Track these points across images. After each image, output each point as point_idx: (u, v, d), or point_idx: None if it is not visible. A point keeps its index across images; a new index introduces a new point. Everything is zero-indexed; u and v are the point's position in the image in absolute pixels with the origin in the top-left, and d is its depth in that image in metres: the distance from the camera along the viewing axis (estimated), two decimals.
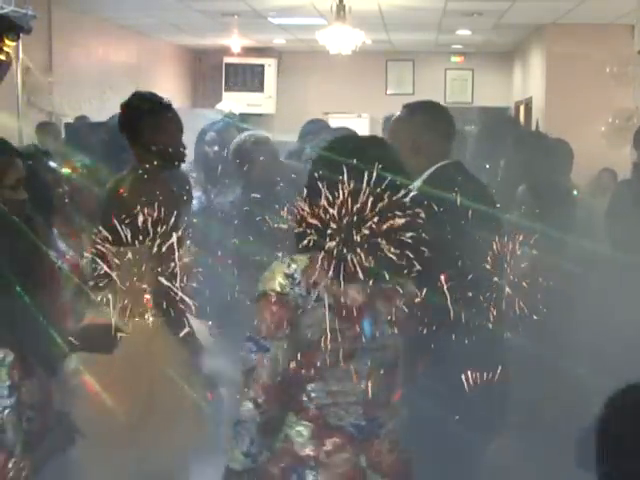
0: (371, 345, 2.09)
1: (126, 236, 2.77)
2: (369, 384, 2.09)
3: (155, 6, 7.89)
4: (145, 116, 3.00)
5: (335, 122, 6.39)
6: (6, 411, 1.94)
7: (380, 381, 2.11)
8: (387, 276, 2.05)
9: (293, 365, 2.06)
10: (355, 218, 2.02)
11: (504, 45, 10.83)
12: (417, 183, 2.68)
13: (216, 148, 4.52)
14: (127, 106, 3.06)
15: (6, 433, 1.95)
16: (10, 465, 1.94)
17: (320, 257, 2.04)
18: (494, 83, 11.60)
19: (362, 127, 10.03)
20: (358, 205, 2.02)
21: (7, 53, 5.25)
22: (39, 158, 3.28)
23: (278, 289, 2.05)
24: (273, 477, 2.08)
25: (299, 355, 2.06)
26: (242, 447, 2.03)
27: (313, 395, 2.08)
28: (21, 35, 5.35)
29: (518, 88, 10.87)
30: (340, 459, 2.08)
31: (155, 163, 2.96)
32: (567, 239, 3.19)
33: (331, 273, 2.02)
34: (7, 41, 5.16)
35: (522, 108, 10.26)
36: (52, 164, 3.37)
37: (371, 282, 2.05)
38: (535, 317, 2.31)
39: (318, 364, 2.05)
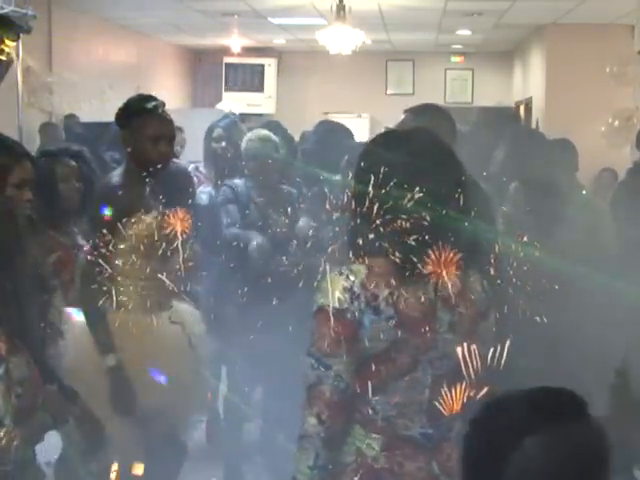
0: (432, 354, 2.06)
1: (124, 236, 2.79)
2: (432, 393, 2.06)
3: (155, 6, 7.89)
4: (132, 118, 3.02)
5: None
6: None
7: (442, 388, 2.09)
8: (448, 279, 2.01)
9: (356, 379, 2.03)
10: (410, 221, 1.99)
11: (504, 45, 10.83)
12: None
13: (223, 144, 4.55)
14: (123, 107, 3.08)
15: None
16: (1, 434, 1.93)
17: (378, 267, 2.00)
18: (494, 83, 11.60)
19: (362, 127, 10.03)
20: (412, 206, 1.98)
21: (7, 53, 5.25)
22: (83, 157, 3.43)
23: (337, 305, 1.99)
24: None
25: (362, 368, 2.03)
26: (308, 461, 2.00)
27: (378, 408, 2.05)
28: (21, 35, 5.36)
29: (518, 88, 10.87)
30: (413, 468, 2.06)
31: (141, 165, 2.98)
32: (557, 238, 3.16)
33: (392, 282, 1.98)
34: (7, 41, 5.16)
35: (522, 108, 10.26)
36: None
37: (432, 289, 2.01)
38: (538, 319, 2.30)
39: (382, 377, 2.02)
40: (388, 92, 11.97)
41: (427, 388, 2.06)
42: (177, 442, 3.18)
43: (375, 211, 2.01)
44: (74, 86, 7.40)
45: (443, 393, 2.07)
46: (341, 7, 6.97)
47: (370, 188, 2.01)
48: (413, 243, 1.98)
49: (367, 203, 2.02)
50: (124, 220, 2.81)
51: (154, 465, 2.97)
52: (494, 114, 6.79)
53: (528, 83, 9.99)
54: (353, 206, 2.05)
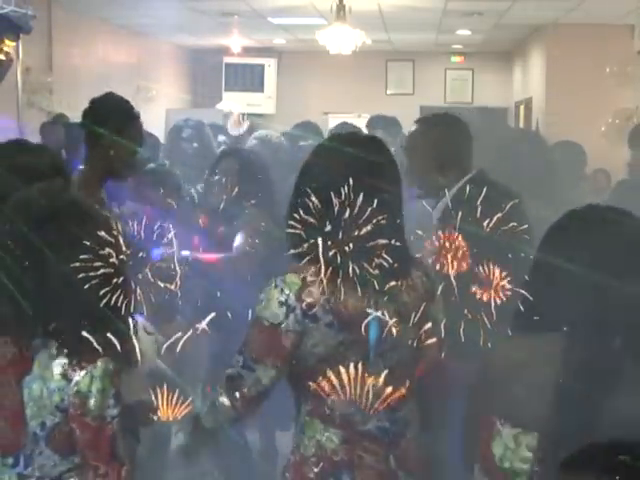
0: (381, 348, 2.09)
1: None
2: (386, 386, 2.10)
3: (155, 6, 7.89)
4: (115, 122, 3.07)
5: (335, 122, 6.38)
6: (114, 420, 1.93)
7: (396, 381, 2.12)
8: (382, 280, 2.05)
9: (306, 382, 2.09)
10: (350, 225, 2.02)
11: (504, 45, 10.83)
12: (447, 199, 2.71)
13: (195, 145, 4.45)
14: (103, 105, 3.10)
15: (117, 442, 1.94)
16: (124, 473, 1.93)
17: (311, 275, 2.02)
18: (494, 83, 11.60)
19: (362, 127, 10.02)
20: (355, 212, 2.01)
21: (7, 53, 5.25)
22: None
23: (271, 320, 2.04)
24: None
25: (313, 372, 2.08)
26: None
27: (335, 406, 2.09)
28: (21, 35, 5.36)
29: (518, 88, 10.87)
30: (372, 461, 2.10)
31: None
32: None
33: (326, 288, 2.01)
34: (7, 41, 5.17)
35: (522, 108, 10.26)
36: None
37: (370, 288, 2.04)
38: None
39: (332, 377, 2.05)
40: (388, 92, 11.97)
41: (381, 381, 2.09)
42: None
43: (311, 219, 2.05)
44: (74, 86, 7.41)
45: (398, 386, 2.11)
46: (341, 7, 6.97)
47: (304, 197, 2.06)
48: (346, 248, 2.01)
49: (304, 211, 2.05)
50: None
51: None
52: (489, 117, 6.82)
53: (528, 83, 9.99)
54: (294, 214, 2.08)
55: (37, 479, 1.97)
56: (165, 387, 2.06)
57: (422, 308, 2.13)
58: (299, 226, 2.06)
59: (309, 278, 2.03)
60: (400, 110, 7.47)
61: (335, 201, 2.01)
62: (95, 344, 1.90)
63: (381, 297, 2.07)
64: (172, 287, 2.65)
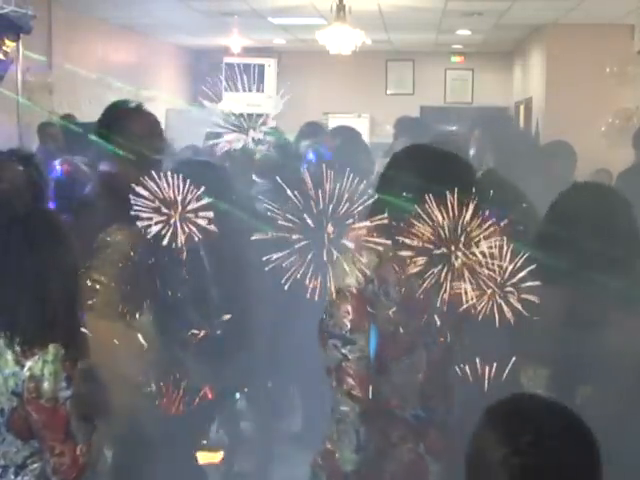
0: (427, 339, 2.16)
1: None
2: (425, 376, 2.17)
3: (155, 6, 7.89)
4: (114, 122, 3.04)
5: (335, 122, 6.39)
6: (67, 402, 2.02)
7: (435, 373, 2.16)
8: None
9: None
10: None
11: (504, 45, 10.83)
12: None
13: None
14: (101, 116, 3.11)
15: (70, 422, 2.03)
16: (78, 452, 2.02)
17: (387, 253, 2.10)
18: (494, 83, 11.60)
19: (362, 127, 10.02)
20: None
21: (7, 53, 5.25)
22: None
23: (356, 284, 2.11)
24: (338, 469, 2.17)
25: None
26: (351, 445, 2.09)
27: (378, 388, 2.14)
28: (21, 35, 5.36)
29: (518, 88, 10.87)
30: (404, 449, 2.18)
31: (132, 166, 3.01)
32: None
33: (399, 269, 2.08)
34: (7, 41, 5.16)
35: (522, 108, 10.26)
36: None
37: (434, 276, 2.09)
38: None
39: (385, 357, 2.13)
40: (388, 92, 11.97)
41: (422, 371, 2.17)
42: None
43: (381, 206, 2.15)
44: (74, 86, 7.41)
45: (436, 377, 2.15)
46: (341, 7, 6.96)
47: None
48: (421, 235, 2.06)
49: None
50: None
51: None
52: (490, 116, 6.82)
53: (528, 83, 9.99)
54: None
55: (2, 468, 2.04)
56: (172, 379, 2.10)
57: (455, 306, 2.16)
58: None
59: (385, 256, 2.12)
60: (400, 110, 7.48)
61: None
62: (45, 331, 2.01)
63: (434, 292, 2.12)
64: None
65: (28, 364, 1.99)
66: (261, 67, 11.95)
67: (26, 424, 2.02)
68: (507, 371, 2.01)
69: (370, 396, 2.10)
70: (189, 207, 2.51)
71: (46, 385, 1.99)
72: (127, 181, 2.90)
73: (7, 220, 2.09)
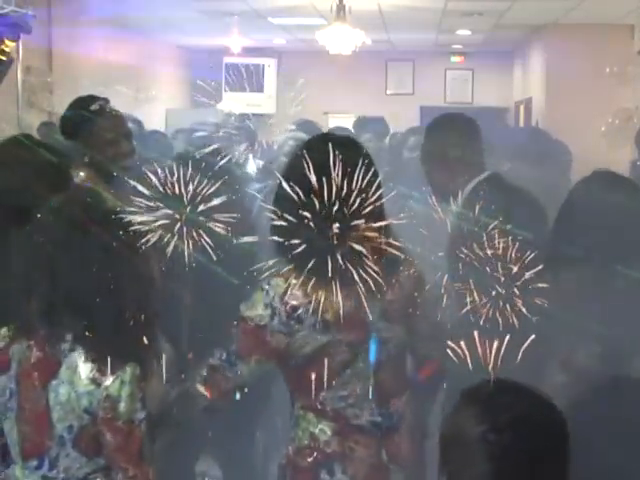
0: (366, 347, 2.12)
1: None
2: (376, 380, 2.13)
3: (155, 6, 7.88)
4: (78, 125, 2.98)
5: (335, 122, 6.39)
6: (142, 423, 1.96)
7: (387, 374, 2.13)
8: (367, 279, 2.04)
9: (299, 379, 2.14)
10: (335, 221, 2.02)
11: (504, 45, 10.82)
12: (459, 201, 2.70)
13: None
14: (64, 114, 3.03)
15: (145, 446, 1.97)
16: (150, 476, 1.97)
17: (296, 277, 2.03)
18: (494, 83, 11.59)
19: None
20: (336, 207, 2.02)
21: (7, 53, 5.25)
22: None
23: (257, 321, 2.08)
24: (302, 471, 2.18)
25: (302, 370, 2.12)
26: (305, 436, 2.19)
27: (327, 402, 2.15)
28: (21, 35, 5.35)
29: (518, 88, 10.87)
30: (364, 454, 2.15)
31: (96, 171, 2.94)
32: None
33: (310, 289, 2.02)
34: (7, 41, 5.16)
35: (522, 108, 10.26)
36: None
37: (354, 289, 2.05)
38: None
39: (321, 375, 2.09)
40: (388, 92, 11.96)
41: (371, 376, 2.14)
42: None
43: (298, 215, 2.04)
44: (74, 86, 7.40)
45: (389, 377, 2.13)
46: (341, 7, 6.96)
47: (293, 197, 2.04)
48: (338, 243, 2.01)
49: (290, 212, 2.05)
50: None
51: None
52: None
53: (528, 83, 9.99)
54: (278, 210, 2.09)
55: None
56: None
57: (409, 305, 2.16)
58: (283, 232, 2.05)
59: (293, 281, 2.05)
60: (400, 110, 7.48)
61: (316, 202, 2.01)
62: (123, 350, 1.94)
63: (366, 297, 2.07)
64: None
65: (105, 384, 1.92)
66: (261, 67, 11.92)
67: (93, 442, 1.97)
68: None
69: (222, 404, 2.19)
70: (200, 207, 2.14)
71: (122, 406, 1.92)
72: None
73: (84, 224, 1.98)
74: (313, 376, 2.09)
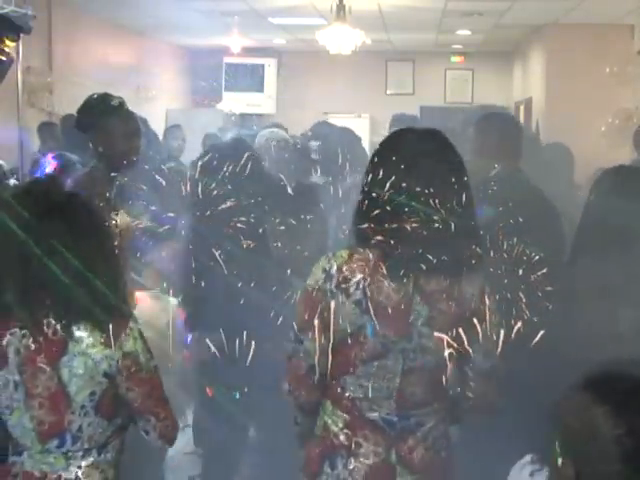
0: (406, 345, 2.08)
1: None
2: (403, 383, 2.10)
3: (155, 6, 7.89)
4: (97, 119, 3.10)
5: (335, 122, 6.38)
6: (157, 370, 2.16)
7: (416, 381, 2.10)
8: (430, 277, 2.04)
9: (329, 357, 2.11)
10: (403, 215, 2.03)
11: (504, 45, 10.83)
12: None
13: None
14: (86, 109, 3.15)
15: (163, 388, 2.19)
16: (173, 412, 2.18)
17: (359, 254, 2.06)
18: (494, 83, 11.59)
19: (362, 127, 10.02)
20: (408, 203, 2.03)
21: (7, 53, 5.25)
22: None
23: (312, 284, 2.11)
24: (310, 462, 2.19)
25: (336, 347, 2.10)
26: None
27: (347, 387, 2.13)
28: (21, 35, 5.35)
29: (518, 88, 10.87)
30: (370, 451, 2.11)
31: (107, 163, 3.08)
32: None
33: (368, 270, 2.03)
34: (7, 41, 5.16)
35: (522, 108, 10.26)
36: None
37: (411, 282, 2.04)
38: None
39: (351, 358, 2.09)
40: (388, 92, 11.97)
41: (398, 377, 2.09)
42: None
43: (369, 205, 2.08)
44: (74, 86, 7.40)
45: (417, 385, 2.10)
46: (341, 7, 6.97)
47: (370, 184, 2.08)
48: (402, 238, 2.02)
49: (365, 196, 2.10)
50: None
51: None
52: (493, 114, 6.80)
53: (528, 83, 9.99)
54: (360, 198, 2.12)
55: (84, 452, 2.07)
56: None
57: (457, 319, 2.08)
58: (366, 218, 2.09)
59: (357, 256, 2.07)
60: (400, 110, 7.47)
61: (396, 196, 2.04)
62: (123, 311, 2.10)
63: (416, 297, 2.06)
64: None
65: (118, 344, 2.04)
66: (261, 67, 11.93)
67: (113, 404, 2.09)
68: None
69: (305, 398, 2.17)
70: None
71: (142, 358, 2.08)
72: (94, 183, 2.97)
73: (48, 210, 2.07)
74: (342, 356, 2.09)
